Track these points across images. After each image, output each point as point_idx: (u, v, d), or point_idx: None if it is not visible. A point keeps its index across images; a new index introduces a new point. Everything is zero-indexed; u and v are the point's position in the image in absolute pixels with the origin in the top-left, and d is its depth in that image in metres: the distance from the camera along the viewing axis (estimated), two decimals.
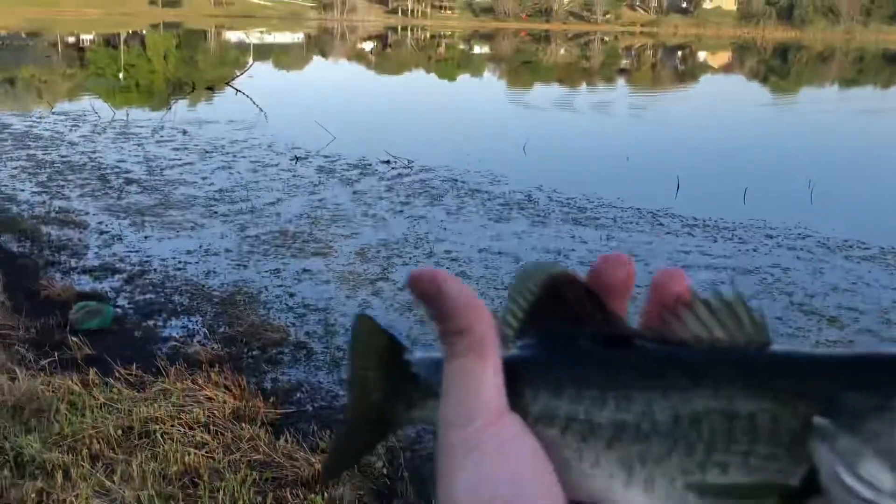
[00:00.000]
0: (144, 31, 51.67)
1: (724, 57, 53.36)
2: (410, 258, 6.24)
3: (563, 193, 8.67)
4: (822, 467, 0.50)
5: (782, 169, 10.89)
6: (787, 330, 4.99)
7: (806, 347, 0.55)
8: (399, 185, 8.93)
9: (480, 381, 0.53)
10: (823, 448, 0.50)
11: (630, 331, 0.58)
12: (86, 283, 5.59)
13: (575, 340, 0.58)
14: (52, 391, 3.77)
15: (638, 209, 8.05)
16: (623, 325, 0.58)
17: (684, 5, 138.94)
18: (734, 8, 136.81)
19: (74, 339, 4.42)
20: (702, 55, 54.15)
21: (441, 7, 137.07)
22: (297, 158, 10.11)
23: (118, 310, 5.00)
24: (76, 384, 3.85)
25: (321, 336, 4.70)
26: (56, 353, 4.24)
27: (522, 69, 35.12)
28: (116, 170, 9.26)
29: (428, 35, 71.32)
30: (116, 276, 5.64)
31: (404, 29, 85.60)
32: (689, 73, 37.47)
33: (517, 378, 0.58)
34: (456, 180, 9.20)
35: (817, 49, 66.35)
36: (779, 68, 42.91)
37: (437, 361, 0.61)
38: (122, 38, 42.73)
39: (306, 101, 17.70)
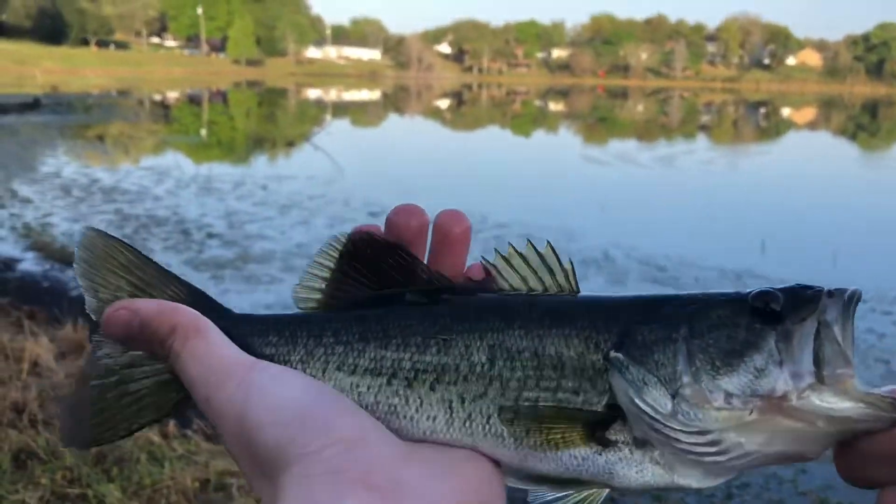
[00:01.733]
0: (227, 90, 53.77)
1: (808, 113, 52.32)
2: None
3: (642, 251, 8.54)
4: (619, 395, 0.59)
5: (874, 230, 10.50)
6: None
7: (608, 294, 0.65)
8: (473, 240, 8.84)
9: (214, 351, 0.60)
10: (618, 378, 0.59)
11: (450, 283, 0.67)
12: None
13: (400, 296, 0.66)
14: (133, 440, 3.82)
15: (721, 269, 7.86)
16: (440, 277, 0.66)
17: (766, 61, 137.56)
18: (819, 64, 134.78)
19: None
20: (785, 111, 53.23)
21: (517, 64, 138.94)
22: (373, 214, 10.24)
23: None
24: (156, 435, 3.90)
25: None
26: None
27: (599, 126, 35.13)
28: (198, 224, 9.54)
29: (503, 92, 72.18)
30: None
31: (480, 86, 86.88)
32: (772, 129, 36.84)
33: (343, 332, 0.66)
34: (531, 236, 9.13)
35: None
36: (868, 125, 41.76)
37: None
38: (205, 96, 44.52)
39: (383, 157, 18.03)
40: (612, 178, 16.06)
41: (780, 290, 0.60)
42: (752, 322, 0.59)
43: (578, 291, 0.66)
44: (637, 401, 0.59)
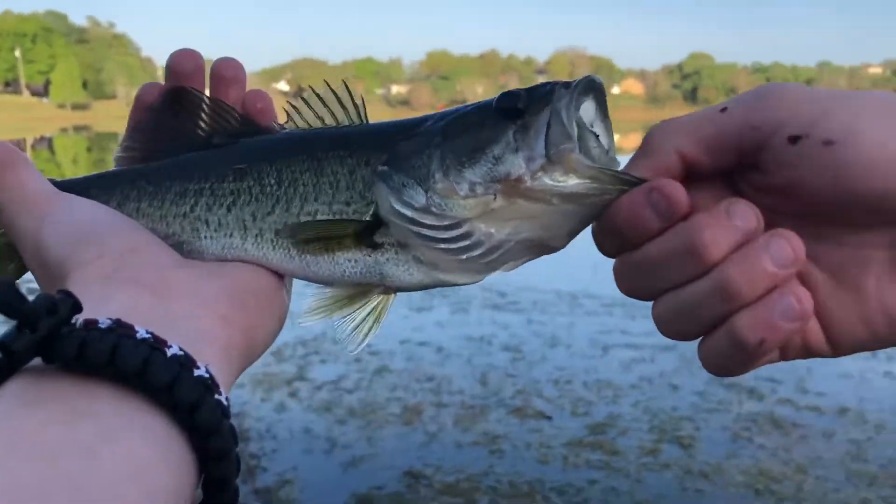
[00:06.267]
0: (52, 136, 50.84)
1: (635, 139, 55.33)
2: (329, 354, 6.09)
3: (485, 280, 8.66)
4: (381, 202, 0.66)
5: None
6: (708, 405, 5.01)
7: (391, 122, 0.72)
8: None
9: (23, 181, 0.66)
10: (382, 187, 0.66)
11: (255, 126, 0.75)
12: None
13: (208, 141, 0.74)
14: None
15: (557, 291, 8.12)
16: (247, 121, 0.75)
17: None
18: (642, 92, 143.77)
19: None
20: (616, 137, 55.99)
21: None
22: None
23: None
24: None
25: None
26: None
27: None
28: (24, 278, 8.88)
29: None
30: None
31: None
32: None
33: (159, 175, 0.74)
34: None
35: None
36: None
37: None
38: (28, 143, 41.81)
39: None
40: None
41: (523, 89, 0.65)
42: (496, 120, 0.64)
43: (366, 122, 0.74)
44: (395, 203, 0.65)
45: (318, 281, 0.71)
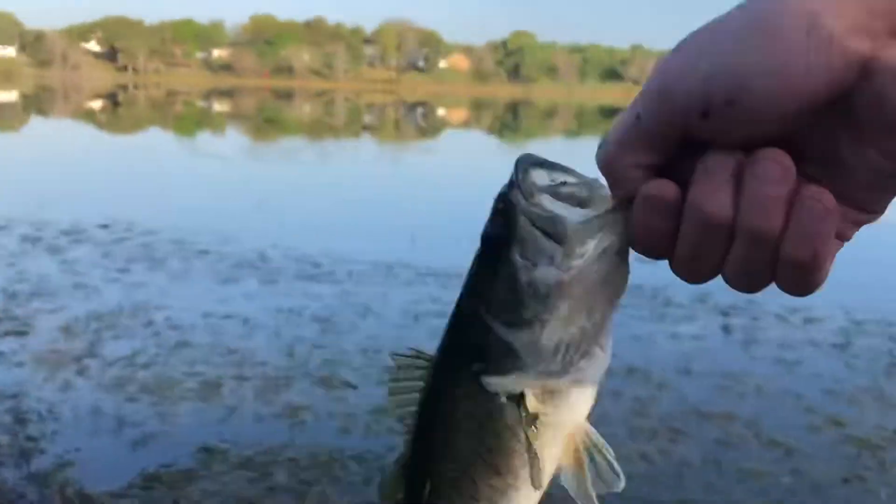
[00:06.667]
0: None
1: (461, 113, 56.22)
2: (125, 329, 5.76)
3: (299, 250, 8.53)
4: (504, 390, 0.66)
5: None
6: None
7: (442, 336, 0.71)
8: (117, 250, 8.29)
9: None
10: (495, 384, 0.66)
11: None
12: None
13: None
14: None
15: (374, 262, 8.10)
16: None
17: (421, 64, 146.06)
18: (468, 67, 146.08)
19: None
20: (441, 111, 56.73)
21: (176, 64, 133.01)
22: None
23: None
24: None
25: (9, 425, 4.11)
26: None
27: (266, 126, 34.80)
28: None
29: (163, 93, 68.62)
30: None
31: (136, 87, 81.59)
32: (430, 129, 39.00)
33: None
34: (183, 242, 8.72)
35: (542, 106, 72.02)
36: (511, 123, 45.92)
37: None
38: None
39: (18, 164, 16.14)
40: (274, 177, 15.92)
41: (489, 221, 0.66)
42: (499, 259, 0.64)
43: (427, 356, 0.73)
44: (511, 383, 0.65)
45: (551, 475, 0.71)
